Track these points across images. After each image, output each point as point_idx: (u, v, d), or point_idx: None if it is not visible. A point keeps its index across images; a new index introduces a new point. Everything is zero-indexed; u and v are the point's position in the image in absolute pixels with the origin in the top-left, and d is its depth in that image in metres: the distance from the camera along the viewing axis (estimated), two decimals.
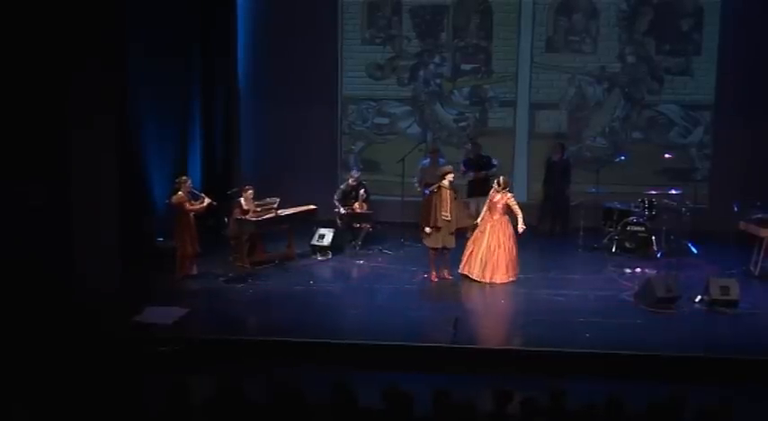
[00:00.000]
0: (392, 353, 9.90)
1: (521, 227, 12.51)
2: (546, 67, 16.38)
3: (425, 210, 12.49)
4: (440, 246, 12.52)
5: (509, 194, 12.67)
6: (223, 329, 10.68)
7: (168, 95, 14.09)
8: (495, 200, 12.64)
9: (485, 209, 12.77)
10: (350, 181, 14.77)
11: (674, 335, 10.52)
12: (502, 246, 12.53)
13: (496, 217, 12.60)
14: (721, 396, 6.82)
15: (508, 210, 12.62)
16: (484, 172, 15.18)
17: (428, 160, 15.26)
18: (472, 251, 12.63)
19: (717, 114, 16.12)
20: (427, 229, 12.38)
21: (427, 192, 13.25)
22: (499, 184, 12.70)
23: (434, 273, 12.65)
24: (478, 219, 12.74)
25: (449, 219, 12.39)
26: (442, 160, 15.43)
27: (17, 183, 10.68)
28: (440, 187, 12.41)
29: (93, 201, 11.38)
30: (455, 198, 12.61)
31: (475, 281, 12.51)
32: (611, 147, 16.31)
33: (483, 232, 12.61)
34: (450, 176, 12.47)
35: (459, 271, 12.68)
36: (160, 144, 13.75)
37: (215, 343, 10.17)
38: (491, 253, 12.51)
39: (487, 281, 12.48)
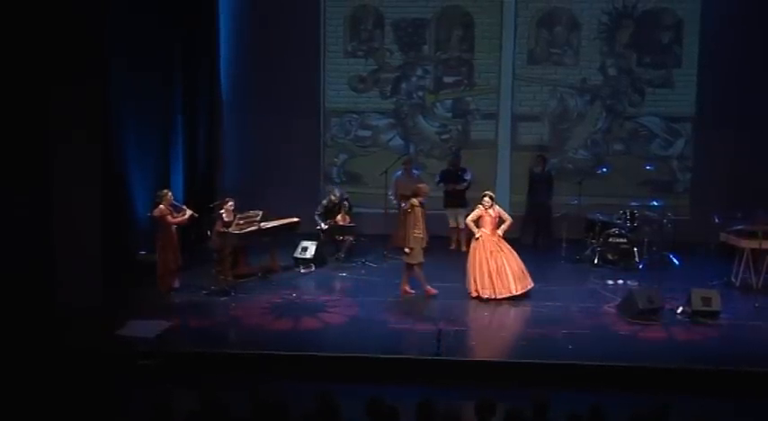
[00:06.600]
0: (376, 366, 9.89)
1: (503, 230, 12.56)
2: (528, 79, 16.46)
3: (401, 228, 12.45)
4: (421, 260, 12.45)
5: (496, 207, 12.63)
6: (206, 342, 10.63)
7: (151, 108, 14.05)
8: (487, 216, 12.51)
9: (471, 223, 12.60)
10: (331, 197, 14.81)
11: (656, 347, 10.57)
12: (514, 255, 12.51)
13: (490, 230, 12.50)
14: (703, 406, 6.85)
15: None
16: (453, 185, 15.26)
17: (401, 172, 15.33)
18: (498, 269, 12.32)
19: (697, 126, 16.23)
20: (407, 249, 12.33)
21: (403, 204, 13.31)
22: (491, 199, 12.55)
23: (409, 285, 12.57)
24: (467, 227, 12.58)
25: (421, 236, 12.36)
26: (415, 172, 15.55)
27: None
28: (413, 206, 12.33)
29: (75, 214, 11.35)
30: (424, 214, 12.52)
31: (505, 298, 12.27)
32: (593, 159, 16.39)
33: (499, 250, 12.40)
34: (422, 198, 12.38)
35: (485, 295, 12.28)
36: (142, 157, 13.70)
37: (198, 356, 10.13)
38: (512, 265, 12.39)
39: (519, 292, 12.34)
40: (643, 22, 16.20)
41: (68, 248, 11.24)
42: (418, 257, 12.41)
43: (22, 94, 10.70)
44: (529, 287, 12.48)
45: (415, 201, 12.34)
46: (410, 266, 12.49)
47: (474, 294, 12.39)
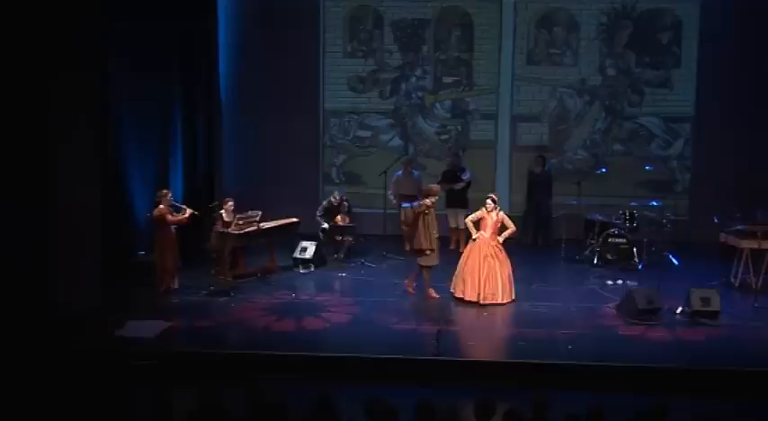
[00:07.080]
0: (375, 367, 9.89)
1: (503, 236, 12.41)
2: (527, 79, 16.46)
3: (420, 231, 12.25)
4: (436, 263, 12.45)
5: (501, 212, 12.46)
6: (205, 343, 10.63)
7: (150, 109, 14.04)
8: (489, 219, 12.33)
9: (470, 223, 12.50)
10: (332, 199, 14.81)
11: (656, 347, 10.56)
12: (507, 264, 12.37)
13: (489, 235, 12.32)
14: (702, 407, 6.84)
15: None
16: (449, 184, 15.25)
17: (401, 173, 15.34)
18: (489, 276, 12.13)
19: (697, 126, 16.24)
20: (428, 251, 12.26)
21: (405, 205, 13.28)
22: (493, 202, 12.37)
23: (414, 284, 12.59)
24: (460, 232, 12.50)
25: (437, 236, 12.38)
26: (415, 172, 15.54)
27: None
28: (428, 207, 12.22)
29: (75, 214, 11.33)
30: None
31: (497, 304, 12.12)
32: (592, 160, 16.40)
33: (493, 256, 12.21)
34: (434, 198, 12.33)
35: (469, 298, 12.17)
36: (142, 157, 13.70)
37: (197, 356, 10.13)
38: (503, 274, 12.24)
39: (504, 302, 12.18)
40: (642, 23, 16.22)
41: (68, 248, 11.23)
42: (435, 260, 12.40)
43: (22, 95, 10.68)
44: (513, 298, 12.33)
45: (428, 201, 12.28)
46: (422, 268, 12.47)
47: (458, 295, 12.29)
